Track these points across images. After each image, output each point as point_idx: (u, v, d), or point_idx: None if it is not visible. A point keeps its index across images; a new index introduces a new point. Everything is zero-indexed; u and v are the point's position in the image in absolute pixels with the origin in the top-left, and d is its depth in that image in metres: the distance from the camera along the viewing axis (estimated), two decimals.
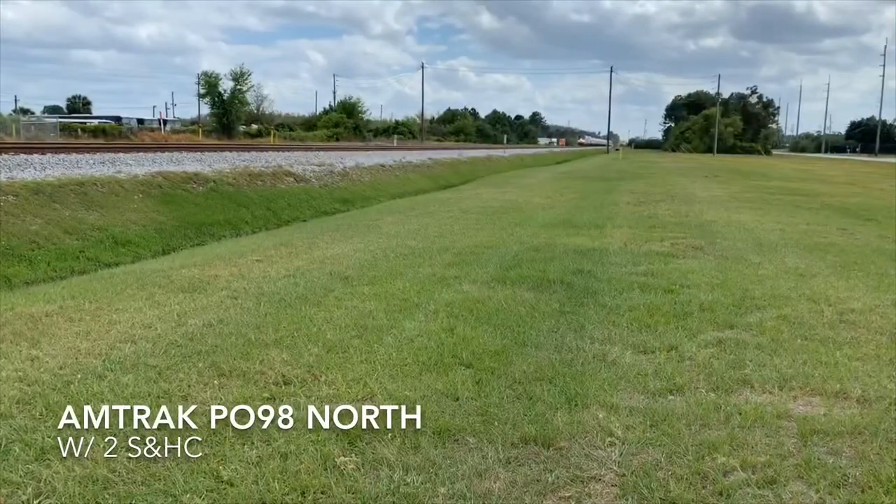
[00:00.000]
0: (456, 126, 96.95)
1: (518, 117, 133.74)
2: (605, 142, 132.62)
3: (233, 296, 5.83)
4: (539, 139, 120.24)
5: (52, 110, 76.24)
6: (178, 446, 3.00)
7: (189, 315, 5.17)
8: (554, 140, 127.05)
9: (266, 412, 3.37)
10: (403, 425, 3.23)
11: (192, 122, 62.58)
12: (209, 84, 53.38)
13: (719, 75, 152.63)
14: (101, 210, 11.52)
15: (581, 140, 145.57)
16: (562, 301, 5.67)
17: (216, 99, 53.37)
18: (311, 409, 3.40)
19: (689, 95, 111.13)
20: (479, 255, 7.90)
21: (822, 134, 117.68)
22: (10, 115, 51.32)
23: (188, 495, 2.64)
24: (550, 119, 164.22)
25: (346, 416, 3.32)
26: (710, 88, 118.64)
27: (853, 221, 12.34)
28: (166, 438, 3.07)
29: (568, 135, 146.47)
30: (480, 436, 3.17)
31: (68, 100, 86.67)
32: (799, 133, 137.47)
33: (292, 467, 2.85)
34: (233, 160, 19.20)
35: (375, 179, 22.40)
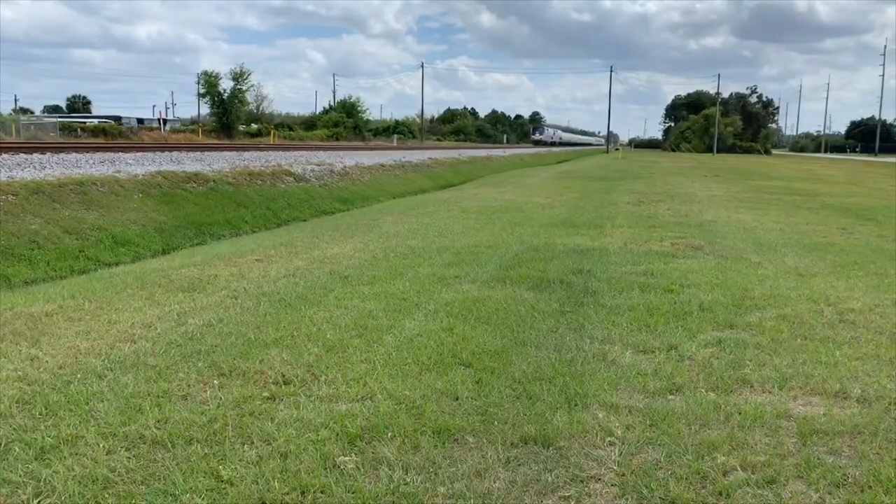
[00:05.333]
0: (456, 126, 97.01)
1: (518, 117, 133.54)
2: (591, 140, 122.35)
3: (232, 295, 5.83)
4: None
5: (52, 110, 76.25)
6: (178, 446, 3.01)
7: (189, 315, 5.17)
8: None
9: (266, 411, 3.38)
10: (403, 425, 3.23)
11: (192, 122, 62.53)
12: (209, 83, 53.38)
13: (719, 75, 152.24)
14: (100, 209, 11.52)
15: (536, 135, 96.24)
16: (561, 301, 5.67)
17: (216, 98, 53.37)
18: (311, 408, 3.41)
19: (689, 95, 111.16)
20: (479, 254, 7.89)
21: (822, 133, 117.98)
22: (10, 114, 51.29)
23: (188, 495, 2.64)
24: (551, 118, 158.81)
25: (346, 415, 3.32)
26: (711, 88, 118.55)
27: (853, 221, 12.33)
28: (166, 438, 3.07)
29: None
30: (480, 435, 3.17)
31: (68, 99, 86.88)
32: (799, 133, 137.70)
33: (292, 467, 2.85)
34: (232, 160, 19.21)
35: (375, 179, 22.40)
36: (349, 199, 18.48)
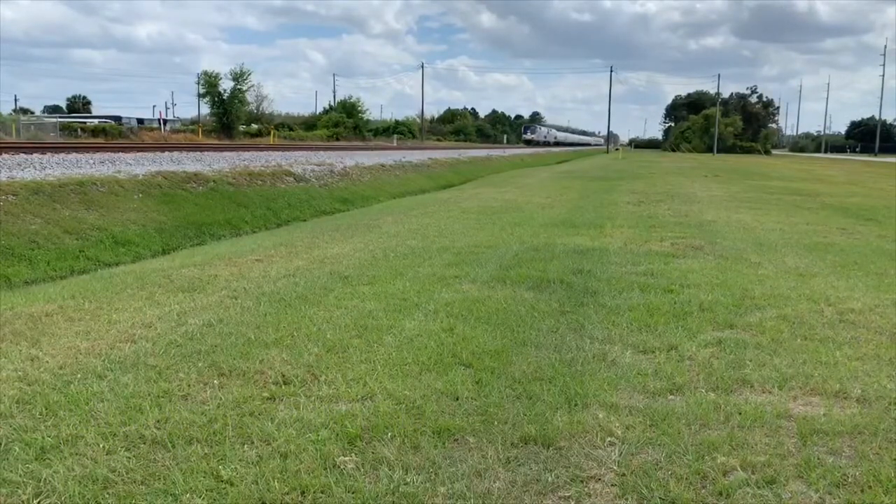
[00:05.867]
0: (456, 126, 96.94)
1: (518, 117, 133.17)
2: (590, 140, 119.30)
3: (233, 295, 5.83)
4: None
5: (52, 110, 76.29)
6: (178, 446, 3.01)
7: (189, 315, 5.17)
8: None
9: (266, 411, 3.38)
10: (403, 425, 3.23)
11: (193, 122, 62.48)
12: (209, 84, 53.38)
13: (719, 75, 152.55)
14: (100, 210, 11.52)
15: (528, 135, 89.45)
16: (561, 301, 5.67)
17: (216, 99, 53.37)
18: (311, 408, 3.41)
19: (690, 95, 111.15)
20: (479, 254, 7.89)
21: (822, 134, 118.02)
22: (10, 114, 51.27)
23: (188, 495, 2.64)
24: (551, 118, 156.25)
25: (346, 415, 3.32)
26: (711, 88, 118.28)
27: (853, 221, 12.33)
28: (166, 438, 3.08)
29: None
30: (480, 435, 3.17)
31: (68, 99, 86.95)
32: (799, 133, 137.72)
33: (292, 467, 2.85)
34: (232, 160, 19.21)
35: (375, 179, 22.39)
36: (349, 199, 18.47)
